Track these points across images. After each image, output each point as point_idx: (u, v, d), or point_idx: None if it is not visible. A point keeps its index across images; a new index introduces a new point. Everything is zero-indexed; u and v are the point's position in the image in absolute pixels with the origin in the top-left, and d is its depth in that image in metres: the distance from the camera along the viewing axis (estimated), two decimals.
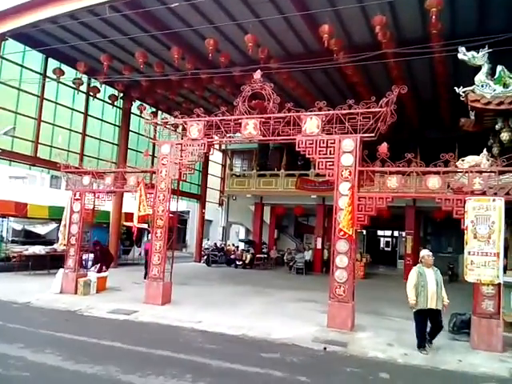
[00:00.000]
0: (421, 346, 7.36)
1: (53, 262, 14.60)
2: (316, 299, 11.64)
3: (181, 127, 11.56)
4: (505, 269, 8.44)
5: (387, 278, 20.84)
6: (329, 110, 9.31)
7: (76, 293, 11.41)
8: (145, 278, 14.30)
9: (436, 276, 7.44)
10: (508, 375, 6.43)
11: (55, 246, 15.62)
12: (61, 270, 11.87)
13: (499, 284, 7.63)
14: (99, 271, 13.12)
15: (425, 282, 7.30)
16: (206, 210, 26.41)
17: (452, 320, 8.57)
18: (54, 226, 18.33)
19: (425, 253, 7.80)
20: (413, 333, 8.72)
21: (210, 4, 11.84)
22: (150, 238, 18.06)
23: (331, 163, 9.16)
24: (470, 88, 9.37)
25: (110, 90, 18.65)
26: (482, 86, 9.29)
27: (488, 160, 8.73)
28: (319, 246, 22.08)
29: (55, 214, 16.44)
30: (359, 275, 17.30)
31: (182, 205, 26.77)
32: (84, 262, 13.28)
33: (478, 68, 9.49)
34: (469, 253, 7.85)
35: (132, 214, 11.73)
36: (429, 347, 7.45)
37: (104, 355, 6.57)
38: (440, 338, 8.26)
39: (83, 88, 17.35)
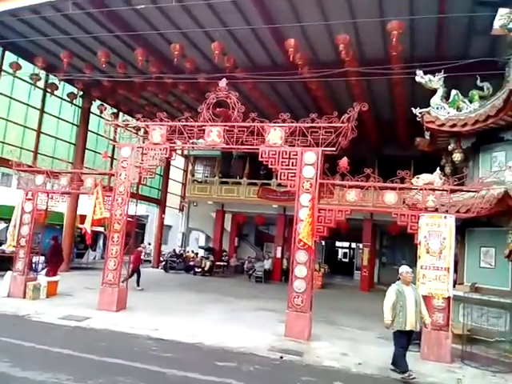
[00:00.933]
0: (405, 370, 6.73)
1: (0, 264, 13.84)
2: (274, 308, 11.72)
3: (143, 130, 11.40)
4: (454, 283, 8.86)
5: (344, 288, 21.31)
6: (292, 123, 9.50)
7: (25, 297, 10.88)
8: (138, 285, 14.37)
9: (415, 294, 7.05)
10: None
11: (3, 247, 14.81)
12: (9, 273, 11.30)
13: (449, 297, 8.01)
14: (48, 273, 12.58)
15: (404, 302, 6.89)
16: (165, 215, 26.00)
17: None
18: (2, 225, 17.41)
19: (404, 269, 7.27)
20: (366, 343, 8.99)
21: (178, 9, 11.76)
22: (139, 245, 17.58)
23: (293, 174, 9.32)
24: (426, 109, 9.85)
25: (69, 88, 18.04)
26: (437, 108, 9.79)
27: (441, 179, 9.18)
28: (279, 255, 22.28)
29: (4, 214, 15.63)
30: (317, 285, 17.57)
31: (141, 209, 26.24)
32: (34, 265, 12.70)
33: (434, 91, 10.00)
34: (421, 267, 8.20)
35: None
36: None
37: (54, 362, 6.32)
38: (391, 347, 8.54)
39: (40, 84, 16.71)
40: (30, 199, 11.45)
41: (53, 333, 8.22)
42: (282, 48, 12.61)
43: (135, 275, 14.51)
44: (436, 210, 8.40)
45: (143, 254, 18.01)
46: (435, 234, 8.17)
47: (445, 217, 8.20)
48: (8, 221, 14.35)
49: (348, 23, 11.36)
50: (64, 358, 6.64)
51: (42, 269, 13.52)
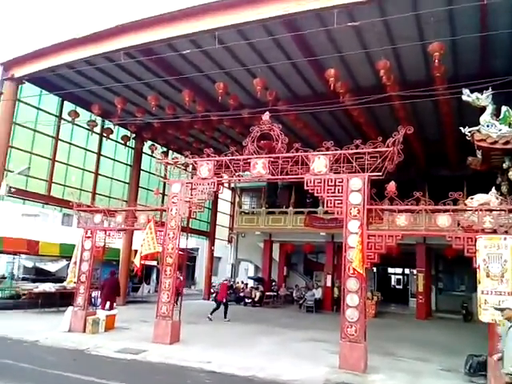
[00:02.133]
0: None
1: (62, 300, 14.55)
2: (327, 339, 11.43)
3: (191, 166, 11.82)
4: None
5: (399, 316, 20.39)
6: (336, 150, 9.52)
7: (84, 331, 11.33)
8: (225, 317, 15.32)
9: None
10: None
11: (65, 283, 15.64)
12: (70, 308, 11.84)
13: None
14: (103, 306, 13.08)
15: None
16: (214, 247, 26.38)
17: (468, 362, 8.37)
18: (64, 263, 18.46)
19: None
20: (427, 375, 8.52)
21: (220, 50, 12.38)
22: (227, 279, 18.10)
23: (340, 201, 9.28)
24: (476, 128, 9.54)
25: (123, 131, 19.19)
26: (488, 125, 9.45)
27: (497, 198, 8.76)
28: (329, 284, 21.83)
29: (66, 252, 16.58)
30: (370, 314, 16.99)
31: (191, 242, 26.81)
32: (93, 300, 13.25)
33: (483, 109, 9.71)
34: (482, 292, 7.75)
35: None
36: None
37: None
38: (456, 380, 8.07)
39: (97, 129, 17.90)
40: (89, 237, 12.09)
41: (111, 366, 8.48)
42: (322, 78, 12.83)
43: (222, 307, 15.35)
44: (494, 232, 8.00)
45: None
46: (495, 256, 7.74)
47: (504, 238, 7.77)
48: (69, 258, 15.23)
49: (388, 49, 11.40)
50: None
51: (110, 305, 14.11)
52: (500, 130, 9.40)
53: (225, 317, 15.41)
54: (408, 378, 8.21)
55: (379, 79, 12.13)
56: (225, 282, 17.13)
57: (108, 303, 13.96)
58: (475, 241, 8.01)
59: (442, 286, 24.03)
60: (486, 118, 9.62)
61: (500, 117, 9.59)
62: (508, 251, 7.68)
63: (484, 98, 9.68)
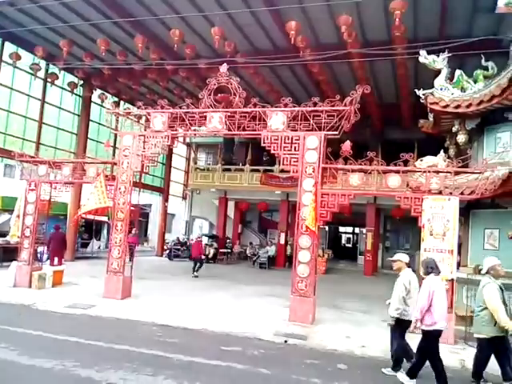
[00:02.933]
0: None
1: (5, 255, 13.95)
2: (278, 294, 11.77)
3: (144, 118, 11.32)
4: (458, 265, 8.84)
5: (348, 273, 21.38)
6: (294, 107, 9.38)
7: (30, 286, 10.96)
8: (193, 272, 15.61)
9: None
10: (459, 366, 6.79)
11: (7, 237, 14.91)
12: (14, 263, 11.37)
13: (452, 280, 7.98)
14: (52, 262, 12.70)
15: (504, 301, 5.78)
16: (168, 204, 26.05)
17: None
18: (7, 217, 17.47)
19: (495, 262, 6.02)
20: (370, 326, 9.02)
21: None
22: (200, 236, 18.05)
23: (296, 159, 9.25)
24: (430, 91, 9.71)
25: (70, 77, 17.97)
26: (441, 89, 9.64)
27: (445, 161, 9.07)
28: (282, 242, 22.35)
29: (8, 205, 15.73)
30: (321, 270, 17.64)
31: (144, 197, 26.28)
32: (39, 255, 12.79)
33: (438, 72, 9.84)
34: (425, 249, 8.16)
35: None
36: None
37: (60, 350, 6.37)
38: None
39: (41, 74, 16.62)
40: (33, 190, 11.46)
41: (59, 321, 8.30)
42: (283, 31, 12.46)
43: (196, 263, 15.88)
44: (440, 193, 8.33)
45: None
46: (439, 216, 8.12)
47: (449, 199, 8.13)
48: (11, 212, 14.44)
49: (350, 4, 11.12)
50: (71, 345, 6.69)
51: (48, 259, 13.66)
52: (452, 94, 9.64)
53: (193, 272, 15.76)
54: (352, 328, 8.66)
55: (340, 36, 11.95)
56: (198, 239, 17.39)
57: (56, 259, 13.54)
58: (422, 201, 8.33)
59: (389, 244, 25.30)
60: (440, 81, 9.80)
61: (454, 81, 9.79)
62: (451, 211, 8.07)
63: (440, 61, 9.81)
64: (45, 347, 6.47)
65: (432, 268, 5.94)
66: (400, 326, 6.24)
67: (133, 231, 20.45)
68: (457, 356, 7.22)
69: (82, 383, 5.20)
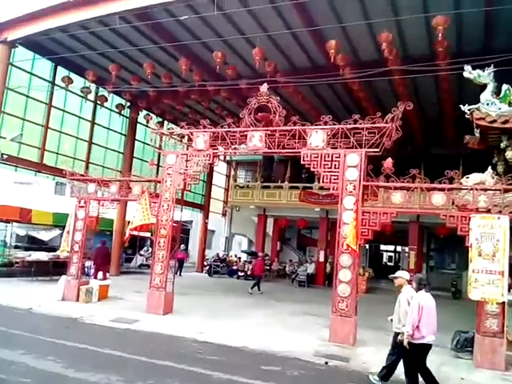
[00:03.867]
0: None
1: (55, 269, 14.60)
2: (318, 313, 11.58)
3: (187, 138, 11.65)
4: (510, 287, 8.39)
5: (389, 292, 20.64)
6: (334, 125, 9.38)
7: (78, 300, 11.41)
8: (252, 288, 16.42)
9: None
10: None
11: (58, 252, 15.64)
12: (63, 277, 11.88)
13: (503, 303, 7.59)
14: (95, 275, 13.18)
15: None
16: (209, 220, 26.43)
17: (455, 338, 8.50)
18: (57, 232, 18.39)
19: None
20: None
21: (219, 17, 12.00)
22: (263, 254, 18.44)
23: (336, 177, 9.21)
24: (476, 106, 9.41)
25: (118, 99, 18.85)
26: (488, 104, 9.33)
27: (493, 178, 8.72)
28: (322, 259, 22.02)
29: (59, 221, 16.53)
30: (362, 289, 17.19)
31: (185, 214, 26.81)
32: (86, 270, 13.29)
33: (484, 86, 9.55)
34: (473, 270, 7.81)
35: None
36: None
37: (105, 363, 6.57)
38: (443, 355, 8.23)
39: (91, 97, 17.57)
40: (82, 207, 12.01)
41: (104, 335, 8.57)
42: (322, 50, 12.54)
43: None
44: (488, 211, 8.00)
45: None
46: (488, 235, 7.77)
47: (498, 218, 7.78)
48: (62, 228, 15.18)
49: (391, 21, 11.11)
50: (115, 359, 6.89)
51: (103, 274, 14.16)
52: (499, 109, 9.29)
53: (251, 288, 16.31)
54: None
55: (381, 53, 11.87)
56: (260, 257, 18.18)
57: (100, 273, 14.03)
58: (469, 220, 8.02)
59: (433, 263, 24.33)
60: (486, 96, 9.49)
61: (500, 95, 9.46)
62: (501, 231, 7.71)
63: (485, 76, 9.52)
64: (90, 361, 6.68)
65: (424, 285, 6.16)
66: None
67: (182, 247, 21.73)
68: (508, 383, 6.81)
69: None
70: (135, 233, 18.90)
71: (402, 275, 6.78)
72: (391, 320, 6.61)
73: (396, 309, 6.43)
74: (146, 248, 22.96)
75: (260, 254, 19.05)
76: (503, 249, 7.64)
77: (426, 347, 5.87)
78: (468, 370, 7.37)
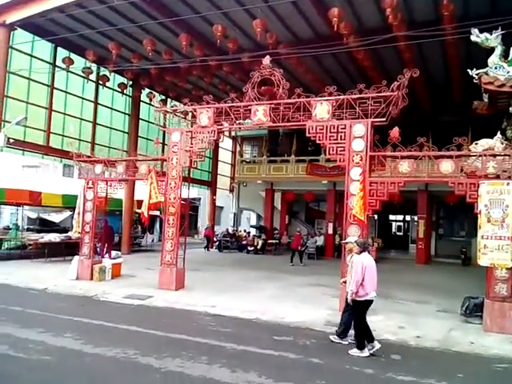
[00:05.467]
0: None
1: (68, 250, 14.87)
2: (328, 284, 11.73)
3: (190, 114, 11.58)
4: None
5: (399, 262, 20.85)
6: (339, 95, 9.25)
7: (92, 279, 11.65)
8: (301, 261, 17.87)
9: None
10: None
11: (70, 233, 15.88)
12: (76, 257, 12.10)
13: None
14: (103, 255, 13.44)
15: None
16: (216, 197, 26.55)
17: (465, 303, 8.59)
18: (68, 214, 18.66)
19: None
20: (424, 316, 8.82)
21: None
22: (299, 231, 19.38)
23: (342, 148, 9.14)
24: (484, 70, 9.18)
25: (120, 79, 18.69)
26: (496, 68, 9.10)
27: (502, 143, 8.60)
28: (330, 231, 22.15)
29: (69, 202, 16.71)
30: None
31: (193, 192, 26.94)
32: (98, 250, 13.50)
33: (492, 50, 9.30)
34: (482, 237, 7.81)
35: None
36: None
37: (122, 339, 6.75)
38: (452, 320, 8.35)
39: (93, 77, 17.44)
40: (90, 187, 12.10)
41: (119, 311, 8.78)
42: (325, 19, 12.26)
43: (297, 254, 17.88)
44: (497, 177, 7.92)
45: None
46: (497, 201, 7.72)
47: (507, 183, 7.71)
48: (72, 209, 15.37)
49: None
50: (131, 334, 7.08)
51: (106, 252, 14.38)
52: (508, 73, 9.08)
53: (300, 261, 17.70)
54: (405, 318, 8.50)
55: (385, 19, 11.57)
56: (297, 233, 18.82)
57: (105, 250, 14.26)
58: (478, 186, 7.96)
59: (442, 231, 24.39)
60: (494, 59, 9.26)
61: (509, 58, 9.22)
62: (510, 196, 7.66)
63: (493, 39, 9.26)
64: (107, 336, 6.87)
65: (365, 247, 6.76)
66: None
67: (207, 224, 23.10)
68: None
69: (143, 370, 5.49)
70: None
71: (351, 240, 7.30)
72: (344, 282, 7.22)
73: (349, 271, 6.88)
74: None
75: (298, 230, 19.91)
76: None
77: (369, 303, 6.50)
78: (477, 335, 7.47)
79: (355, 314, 6.54)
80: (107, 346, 6.27)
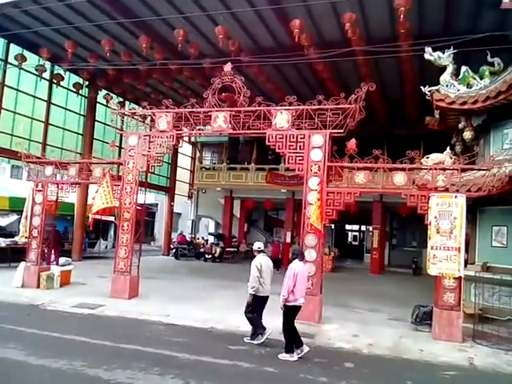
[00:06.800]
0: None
1: (14, 255, 14.08)
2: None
3: (149, 118, 11.36)
4: (465, 263, 8.79)
5: (354, 271, 21.31)
6: (299, 105, 9.36)
7: (39, 287, 11.06)
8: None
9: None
10: (467, 364, 6.74)
11: (16, 238, 15.03)
12: (22, 264, 11.47)
13: (460, 277, 7.92)
14: (49, 261, 12.81)
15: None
16: (174, 203, 26.12)
17: (415, 311, 8.87)
18: (14, 217, 17.60)
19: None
20: (377, 324, 9.01)
21: None
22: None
23: (301, 158, 9.24)
24: (436, 87, 9.66)
25: (75, 78, 18.05)
26: (447, 85, 9.60)
27: (451, 158, 9.05)
28: (289, 240, 22.28)
29: (16, 205, 15.81)
30: (327, 269, 17.58)
31: (150, 197, 26.38)
32: (46, 255, 12.84)
33: (444, 68, 9.78)
34: (432, 247, 8.10)
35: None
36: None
37: (68, 350, 6.42)
38: (403, 328, 8.58)
39: (46, 75, 16.71)
40: (40, 190, 11.54)
41: (67, 321, 8.38)
42: (286, 29, 12.39)
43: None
44: (446, 190, 8.27)
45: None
46: (446, 213, 8.05)
47: (455, 196, 8.06)
48: (20, 213, 14.53)
49: (354, 1, 11.09)
50: (78, 345, 6.75)
51: (55, 258, 13.70)
52: (458, 91, 9.60)
53: (277, 269, 16.52)
54: (358, 327, 8.64)
55: (344, 33, 11.88)
56: (276, 242, 19.26)
57: (53, 256, 13.57)
58: (428, 198, 8.26)
59: (395, 242, 25.23)
60: (445, 77, 9.76)
61: (459, 77, 9.74)
62: (458, 209, 8.00)
63: (445, 57, 9.77)
64: (53, 347, 6.53)
65: (297, 255, 7.07)
66: (256, 301, 7.30)
67: (179, 231, 22.86)
68: (465, 354, 7.17)
69: (91, 382, 5.23)
70: (98, 216, 18.49)
71: (255, 246, 7.74)
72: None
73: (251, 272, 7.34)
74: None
75: (276, 239, 20.38)
76: (460, 226, 7.95)
77: (298, 308, 6.79)
78: (427, 342, 7.71)
79: (285, 318, 6.73)
80: (53, 357, 5.95)
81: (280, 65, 14.36)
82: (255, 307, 7.33)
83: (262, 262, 7.42)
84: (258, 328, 7.30)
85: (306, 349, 6.60)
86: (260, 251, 7.62)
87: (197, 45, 13.87)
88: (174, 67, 15.19)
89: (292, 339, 6.63)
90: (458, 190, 8.20)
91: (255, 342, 7.20)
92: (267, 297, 7.38)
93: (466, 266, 8.75)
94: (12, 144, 15.78)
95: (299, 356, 6.50)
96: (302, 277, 6.80)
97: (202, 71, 15.36)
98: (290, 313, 6.71)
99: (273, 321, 8.68)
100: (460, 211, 7.98)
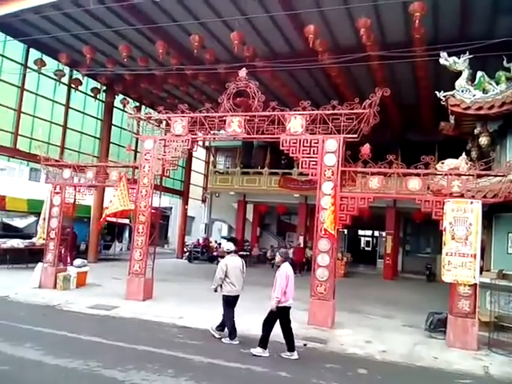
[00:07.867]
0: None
1: (31, 256, 14.33)
2: (297, 297, 11.61)
3: (164, 123, 11.49)
4: (481, 270, 8.69)
5: (367, 276, 21.16)
6: (313, 110, 9.40)
7: (55, 287, 11.25)
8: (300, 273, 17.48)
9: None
10: (482, 373, 6.65)
11: (34, 239, 15.32)
12: (39, 265, 11.68)
13: (475, 284, 7.84)
14: (66, 262, 13.02)
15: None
16: (188, 207, 26.31)
17: (429, 318, 8.79)
18: (32, 219, 17.95)
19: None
20: (390, 330, 8.95)
21: (197, 0, 11.80)
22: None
23: (314, 163, 9.26)
24: (451, 93, 9.60)
25: (93, 83, 18.40)
26: (462, 91, 9.53)
27: (467, 163, 8.96)
28: (301, 245, 22.26)
29: (34, 208, 16.16)
30: (340, 274, 17.50)
31: (164, 201, 26.59)
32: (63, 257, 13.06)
33: (459, 73, 9.72)
34: (446, 253, 8.04)
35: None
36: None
37: (84, 350, 6.52)
38: (417, 335, 8.51)
39: (65, 80, 17.07)
40: (58, 193, 11.77)
41: (83, 321, 8.50)
42: (301, 35, 12.49)
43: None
44: (462, 196, 8.21)
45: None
46: (461, 220, 7.98)
47: (471, 202, 8.00)
48: (38, 214, 14.84)
49: (369, 6, 11.11)
50: (94, 345, 6.86)
51: (73, 259, 13.92)
52: (474, 96, 9.52)
53: (299, 272, 17.36)
54: (371, 333, 8.59)
55: (359, 39, 11.92)
56: (299, 246, 19.71)
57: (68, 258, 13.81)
58: (443, 204, 8.20)
59: (409, 248, 24.97)
60: (461, 82, 9.69)
61: (475, 82, 9.66)
62: (473, 215, 7.93)
63: (461, 63, 9.70)
64: (69, 347, 6.63)
65: (286, 258, 7.37)
66: (227, 302, 7.80)
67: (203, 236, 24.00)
68: (480, 362, 7.08)
69: (106, 383, 5.32)
70: (113, 219, 18.73)
71: (224, 247, 8.34)
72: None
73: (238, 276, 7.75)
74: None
75: (299, 242, 20.71)
76: (475, 232, 7.88)
77: (288, 309, 7.05)
78: (441, 350, 7.63)
79: (271, 316, 7.01)
80: (68, 357, 6.05)
81: (294, 70, 14.42)
82: (226, 307, 7.76)
83: (230, 263, 7.69)
84: (228, 327, 7.61)
85: (266, 354, 6.78)
86: (229, 252, 7.92)
87: (212, 50, 14.06)
88: (190, 72, 15.38)
89: (267, 336, 6.84)
90: (473, 196, 8.13)
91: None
92: (237, 296, 7.86)
93: (481, 272, 8.65)
94: (31, 147, 16.13)
95: (259, 354, 6.72)
96: (291, 279, 7.08)
97: (217, 76, 15.51)
98: (281, 313, 6.91)
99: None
100: (476, 217, 7.91)
